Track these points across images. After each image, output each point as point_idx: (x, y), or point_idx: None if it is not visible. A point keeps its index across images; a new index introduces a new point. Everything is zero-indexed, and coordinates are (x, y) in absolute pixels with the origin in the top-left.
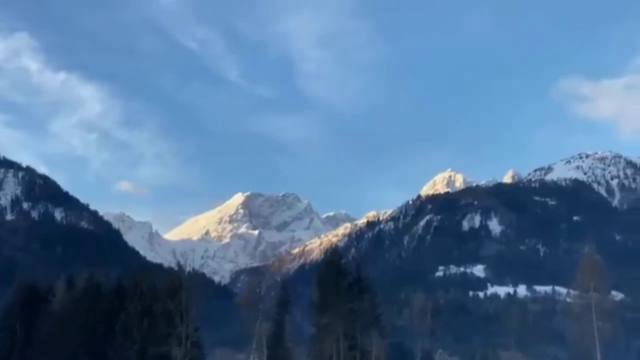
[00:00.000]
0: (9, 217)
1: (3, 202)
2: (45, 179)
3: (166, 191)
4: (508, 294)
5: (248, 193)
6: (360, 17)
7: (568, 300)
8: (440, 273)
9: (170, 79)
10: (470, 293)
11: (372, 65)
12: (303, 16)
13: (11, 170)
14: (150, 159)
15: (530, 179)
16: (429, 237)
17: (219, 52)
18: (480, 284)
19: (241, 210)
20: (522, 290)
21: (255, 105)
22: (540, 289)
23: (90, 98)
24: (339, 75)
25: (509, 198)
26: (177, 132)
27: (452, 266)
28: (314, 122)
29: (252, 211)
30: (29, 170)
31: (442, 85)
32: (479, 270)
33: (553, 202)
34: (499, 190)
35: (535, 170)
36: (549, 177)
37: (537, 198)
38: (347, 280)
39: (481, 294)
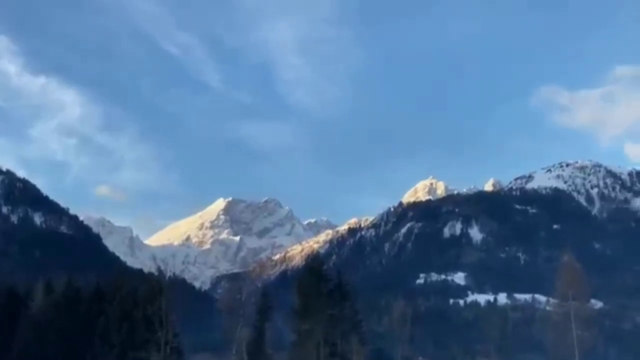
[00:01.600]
0: None
1: None
2: (24, 182)
3: (146, 196)
4: (488, 302)
5: (229, 199)
6: (339, 25)
7: (548, 308)
8: (421, 280)
9: (151, 84)
10: (451, 300)
11: (352, 72)
12: (283, 23)
13: None
14: (130, 163)
15: (512, 187)
16: (410, 244)
17: (199, 57)
18: (461, 291)
19: (222, 216)
20: (502, 298)
21: (235, 111)
22: (520, 296)
23: (70, 102)
24: (319, 82)
25: (490, 206)
26: (157, 137)
27: (432, 273)
28: (294, 128)
29: (233, 217)
30: (8, 174)
31: (422, 92)
32: (459, 277)
33: (534, 211)
34: (480, 198)
35: (516, 179)
36: (530, 186)
37: (517, 206)
38: (328, 287)
39: (461, 302)
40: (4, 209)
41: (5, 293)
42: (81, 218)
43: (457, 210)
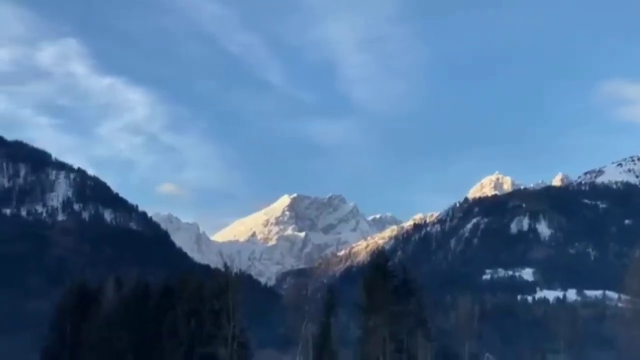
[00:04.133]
0: (60, 217)
1: (55, 203)
2: (95, 180)
3: (210, 193)
4: (557, 298)
5: (294, 195)
6: (400, 22)
7: (619, 305)
8: (487, 276)
9: (214, 84)
10: (519, 297)
11: (414, 68)
12: (344, 21)
13: (62, 172)
14: (195, 162)
15: (581, 182)
16: (476, 240)
17: (261, 57)
18: (529, 287)
19: (287, 212)
20: (571, 294)
21: (298, 109)
22: (591, 293)
23: (136, 102)
24: (381, 79)
25: (559, 201)
26: (221, 135)
27: (499, 269)
28: (357, 125)
29: (298, 213)
30: (80, 172)
31: (486, 86)
32: (527, 273)
33: (604, 205)
34: (548, 193)
35: (585, 173)
36: (600, 180)
37: (587, 201)
38: (394, 283)
39: (529, 298)
40: (76, 207)
41: (77, 289)
42: (149, 215)
43: (524, 205)
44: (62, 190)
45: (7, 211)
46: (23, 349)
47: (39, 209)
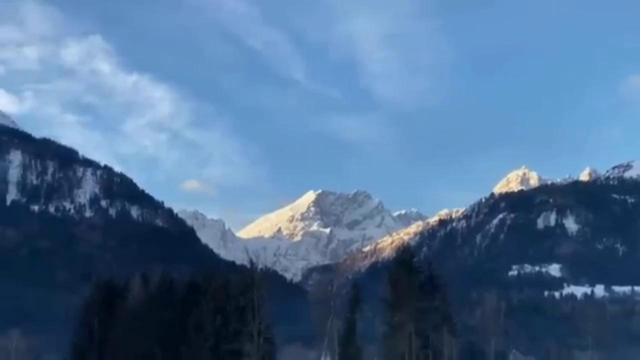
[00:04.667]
0: (87, 214)
1: (82, 199)
2: (121, 177)
3: (235, 190)
4: (585, 294)
5: (319, 191)
6: (424, 17)
7: None
8: (514, 272)
9: (238, 80)
10: (546, 293)
11: (439, 63)
12: (367, 16)
13: (89, 169)
14: (219, 158)
15: (609, 177)
16: (502, 235)
17: (284, 53)
18: (556, 283)
19: (312, 209)
20: (599, 290)
21: (321, 105)
22: (619, 289)
23: (160, 99)
24: (405, 74)
25: (586, 196)
26: (245, 132)
27: (526, 265)
28: (381, 121)
29: (323, 209)
30: (106, 169)
31: (511, 81)
32: (554, 269)
33: (632, 200)
34: (575, 188)
35: (613, 168)
36: (628, 175)
37: (615, 196)
38: (419, 279)
39: (557, 294)
40: (103, 203)
41: (104, 285)
42: (175, 211)
43: (551, 200)
44: (89, 187)
45: (36, 208)
46: (52, 343)
47: (67, 205)
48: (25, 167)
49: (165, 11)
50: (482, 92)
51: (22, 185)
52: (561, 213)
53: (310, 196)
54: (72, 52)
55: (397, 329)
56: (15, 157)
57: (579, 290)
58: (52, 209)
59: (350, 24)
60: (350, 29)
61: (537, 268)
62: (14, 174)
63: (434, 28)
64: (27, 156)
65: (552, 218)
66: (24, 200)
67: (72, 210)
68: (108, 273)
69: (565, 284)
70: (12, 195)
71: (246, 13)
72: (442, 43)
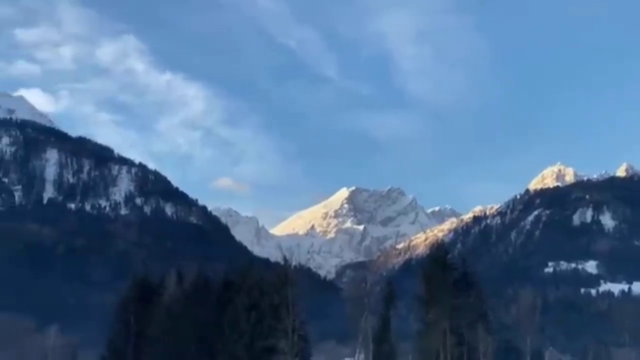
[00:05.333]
0: (122, 211)
1: (117, 197)
2: (156, 175)
3: (268, 187)
4: (622, 291)
5: (352, 188)
6: (457, 13)
7: None
8: (549, 269)
9: (270, 78)
10: (582, 290)
11: (471, 59)
12: (400, 12)
13: (124, 167)
14: (252, 155)
15: None
16: (537, 232)
17: (316, 50)
18: (593, 280)
19: (346, 205)
20: (637, 287)
21: (354, 102)
22: None
23: (194, 97)
24: (438, 71)
25: (623, 192)
26: (278, 129)
27: (562, 262)
28: (415, 118)
29: (357, 206)
30: (141, 167)
31: (547, 75)
32: (591, 266)
33: None
34: (612, 184)
35: None
36: None
37: None
38: (453, 276)
39: (593, 291)
40: (138, 201)
41: (140, 282)
42: (209, 209)
43: (587, 196)
44: (124, 184)
45: (72, 206)
46: (88, 340)
47: (102, 203)
48: (61, 166)
49: (198, 10)
50: (516, 88)
51: (59, 184)
52: (597, 209)
53: (343, 193)
54: (106, 52)
55: (431, 326)
56: (52, 156)
57: (615, 288)
58: (88, 207)
59: (383, 20)
60: (383, 26)
61: (573, 265)
62: (50, 172)
63: (467, 24)
64: (63, 155)
65: (589, 214)
66: (60, 198)
67: (107, 208)
68: (143, 270)
69: (601, 281)
70: (48, 193)
71: (279, 11)
72: (476, 39)
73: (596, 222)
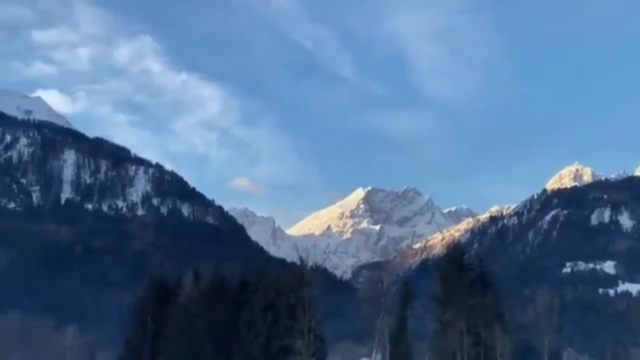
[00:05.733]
0: (139, 212)
1: (134, 198)
2: (172, 175)
3: (284, 187)
4: None
5: (369, 188)
6: (473, 12)
7: None
8: (567, 269)
9: (286, 78)
10: (600, 290)
11: (488, 59)
12: (415, 12)
13: (141, 167)
14: (268, 155)
15: None
16: (555, 232)
17: (332, 49)
18: (611, 281)
19: (362, 206)
20: None
21: (370, 101)
22: None
23: (209, 97)
24: (454, 70)
25: None
26: (294, 129)
27: (580, 262)
28: (430, 117)
29: (373, 206)
30: (158, 167)
31: (563, 76)
32: (609, 266)
33: None
34: (630, 184)
35: None
36: None
37: None
38: (470, 276)
39: (611, 292)
40: (155, 201)
41: (157, 282)
42: (225, 209)
43: (605, 196)
44: (141, 185)
45: (89, 206)
46: (106, 340)
47: (120, 203)
48: (79, 166)
49: (213, 10)
50: (532, 87)
51: (76, 184)
52: (615, 209)
53: (359, 193)
54: (123, 53)
55: (448, 326)
56: (70, 157)
57: (634, 288)
58: (105, 208)
59: (398, 20)
60: (398, 25)
61: (591, 265)
62: (68, 173)
63: (483, 23)
64: (80, 155)
65: (607, 214)
66: (78, 198)
67: (124, 209)
68: (160, 270)
69: (620, 281)
70: (66, 194)
71: (293, 10)
72: (492, 38)
73: (614, 222)
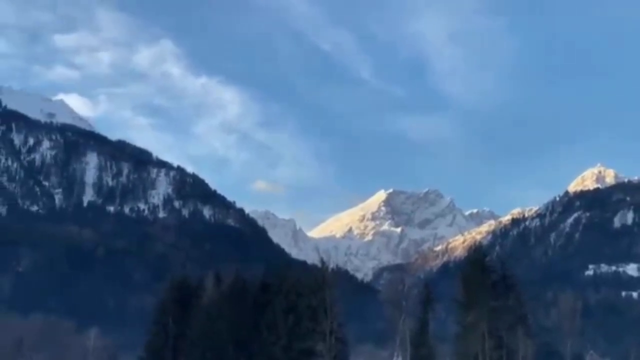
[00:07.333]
0: (161, 214)
1: (156, 200)
2: (194, 178)
3: (304, 190)
4: None
5: (390, 190)
6: (492, 15)
7: None
8: (590, 272)
9: (306, 81)
10: (623, 293)
11: (508, 61)
12: (434, 15)
13: (163, 170)
14: (288, 158)
15: None
16: (577, 234)
17: (352, 52)
18: (634, 283)
19: (383, 208)
20: None
21: (390, 104)
22: None
23: (230, 100)
24: (474, 72)
25: None
26: (315, 132)
27: (602, 265)
28: (451, 120)
29: (394, 208)
30: (179, 170)
31: (583, 77)
32: (632, 269)
33: None
34: None
35: None
36: None
37: None
38: (492, 278)
39: (634, 294)
40: (176, 204)
41: (178, 285)
42: (247, 211)
43: (628, 198)
44: (162, 187)
45: (111, 209)
46: (128, 341)
47: (141, 206)
48: (101, 169)
49: (233, 14)
50: (554, 89)
51: (98, 187)
52: (638, 211)
53: (381, 195)
54: (143, 56)
55: (469, 329)
56: (92, 159)
57: None
58: (127, 210)
59: (418, 23)
60: (418, 28)
61: (613, 268)
62: (90, 175)
63: (503, 25)
64: (102, 158)
65: (629, 216)
66: (100, 201)
67: (146, 211)
68: (181, 272)
69: None
70: (88, 196)
71: (313, 13)
72: (512, 40)
73: (637, 224)
